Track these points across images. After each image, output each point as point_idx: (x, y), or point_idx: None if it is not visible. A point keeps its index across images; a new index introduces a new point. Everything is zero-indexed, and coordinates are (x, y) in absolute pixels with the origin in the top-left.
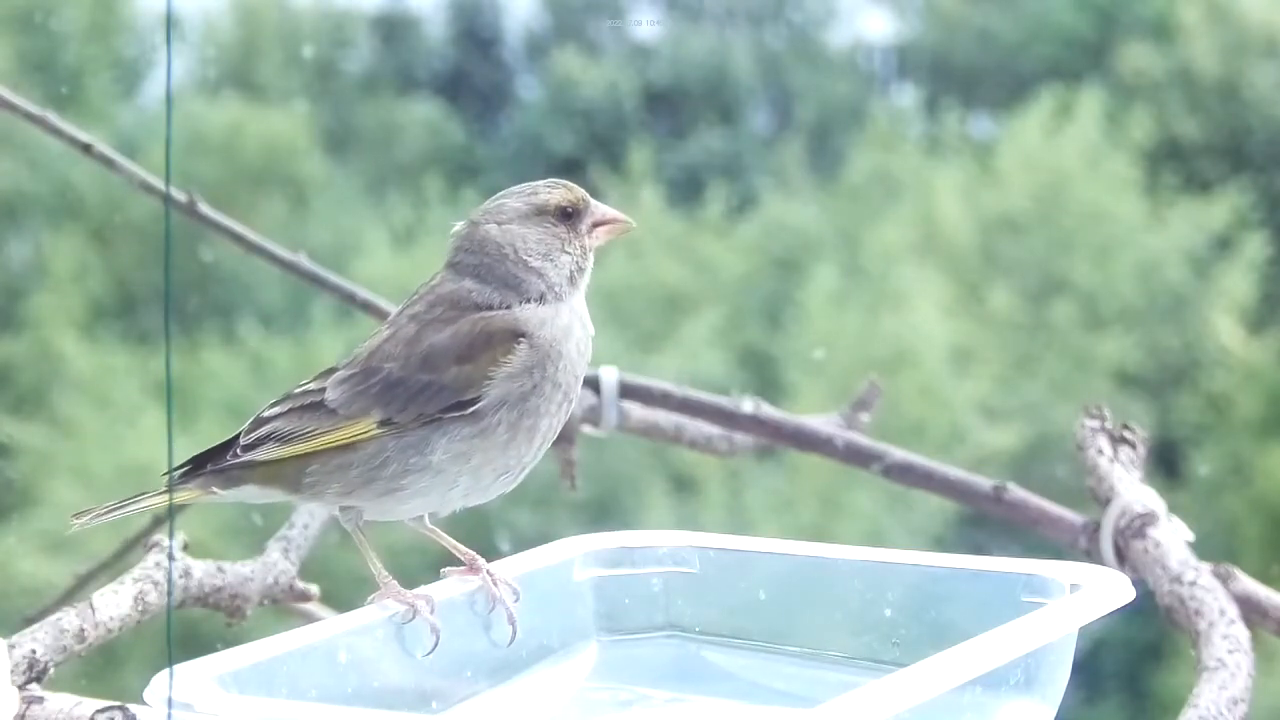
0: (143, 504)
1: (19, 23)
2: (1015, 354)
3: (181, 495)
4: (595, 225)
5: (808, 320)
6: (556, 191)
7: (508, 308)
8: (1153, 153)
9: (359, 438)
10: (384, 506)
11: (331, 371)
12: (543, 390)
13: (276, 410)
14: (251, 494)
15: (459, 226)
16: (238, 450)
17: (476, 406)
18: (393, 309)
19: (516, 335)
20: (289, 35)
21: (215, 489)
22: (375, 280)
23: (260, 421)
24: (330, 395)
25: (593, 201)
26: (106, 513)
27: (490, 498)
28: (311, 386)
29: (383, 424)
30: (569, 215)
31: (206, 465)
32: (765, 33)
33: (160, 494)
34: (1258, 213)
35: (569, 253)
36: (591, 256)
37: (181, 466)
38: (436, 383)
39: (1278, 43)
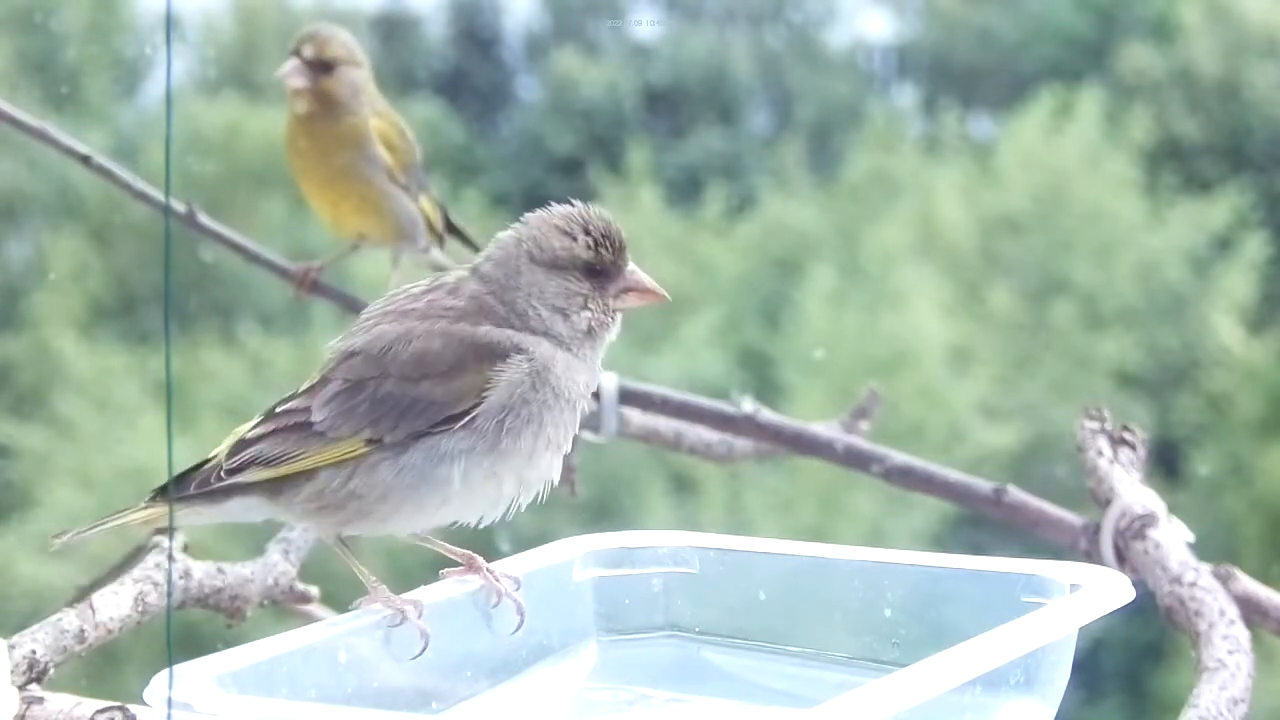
0: (123, 519)
1: (19, 23)
2: (1015, 354)
3: (160, 513)
4: (626, 290)
5: (807, 320)
6: (593, 247)
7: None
8: (1153, 153)
9: (346, 457)
10: (369, 524)
11: (315, 386)
12: (545, 400)
13: (259, 431)
14: (234, 512)
15: (505, 234)
16: (221, 473)
17: (469, 419)
18: None
19: (511, 349)
20: (289, 35)
21: (198, 508)
22: (375, 282)
23: (244, 444)
24: (317, 416)
25: (630, 266)
26: (88, 530)
27: (500, 512)
28: (295, 405)
29: (370, 442)
30: (596, 273)
31: (190, 484)
32: (765, 33)
33: (139, 510)
34: (1258, 213)
35: (590, 309)
36: (617, 319)
37: (165, 485)
38: (426, 397)
39: (1278, 43)
